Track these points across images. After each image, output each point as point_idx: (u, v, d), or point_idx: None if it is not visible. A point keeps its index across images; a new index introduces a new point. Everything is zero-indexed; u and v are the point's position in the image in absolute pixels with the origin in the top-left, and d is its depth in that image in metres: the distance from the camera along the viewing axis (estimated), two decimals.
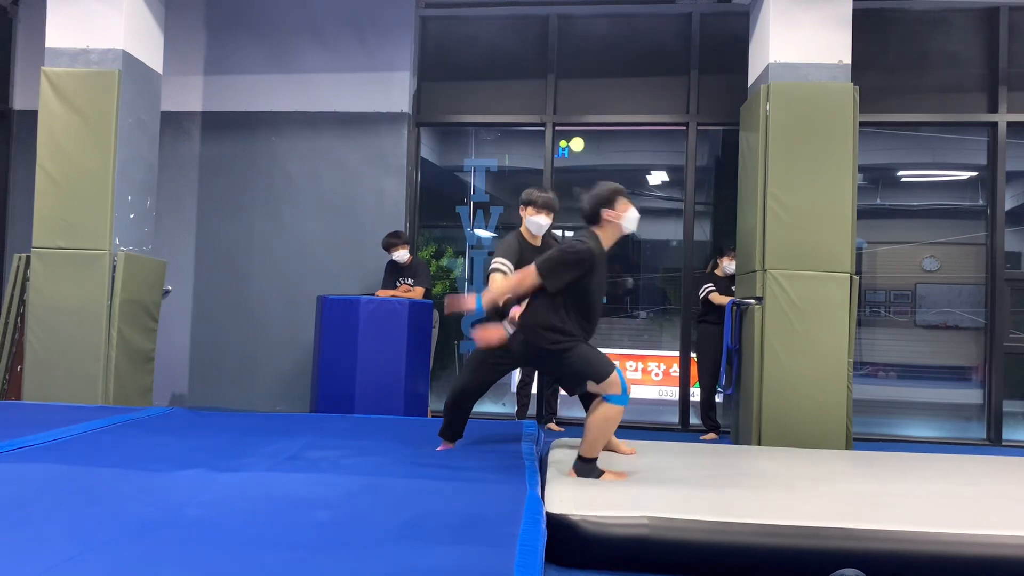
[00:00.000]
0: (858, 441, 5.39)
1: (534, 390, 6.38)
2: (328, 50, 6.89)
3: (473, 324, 3.74)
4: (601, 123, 6.89)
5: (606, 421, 3.49)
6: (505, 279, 3.71)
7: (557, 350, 3.51)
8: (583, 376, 3.53)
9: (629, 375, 6.82)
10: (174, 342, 6.77)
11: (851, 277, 5.13)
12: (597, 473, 3.54)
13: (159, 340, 5.90)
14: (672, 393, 6.73)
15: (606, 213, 3.61)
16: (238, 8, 7.01)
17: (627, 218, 3.64)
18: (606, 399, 3.48)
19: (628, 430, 6.13)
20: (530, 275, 3.51)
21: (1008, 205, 6.37)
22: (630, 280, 6.20)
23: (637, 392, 6.23)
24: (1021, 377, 6.36)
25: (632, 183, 7.51)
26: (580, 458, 3.55)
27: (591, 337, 3.64)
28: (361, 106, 6.85)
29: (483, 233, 7.06)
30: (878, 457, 4.51)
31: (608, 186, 3.68)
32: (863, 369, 6.59)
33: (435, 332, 6.42)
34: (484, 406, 7.03)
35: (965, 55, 6.48)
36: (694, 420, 6.61)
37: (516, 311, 3.72)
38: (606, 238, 3.63)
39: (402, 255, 6.12)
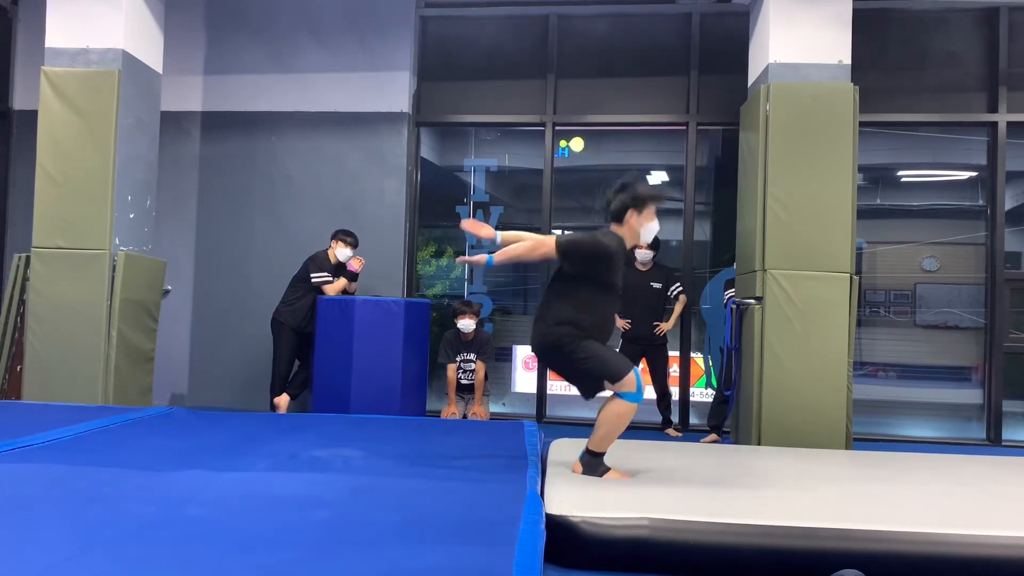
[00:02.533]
0: (858, 441, 5.39)
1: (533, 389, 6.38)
2: (328, 50, 6.89)
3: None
4: (601, 123, 6.88)
5: (619, 417, 3.47)
6: (522, 242, 3.50)
7: (570, 347, 3.46)
8: (598, 376, 3.49)
9: None
10: (174, 342, 6.77)
11: (851, 277, 5.13)
12: (602, 470, 3.54)
13: (159, 340, 5.90)
14: (672, 393, 6.72)
15: (631, 216, 3.54)
16: (238, 8, 7.01)
17: (647, 228, 3.57)
18: (620, 396, 3.46)
19: (628, 429, 6.13)
20: (546, 245, 3.42)
21: (1008, 205, 6.37)
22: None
23: None
24: (1021, 377, 6.36)
25: None
26: (588, 452, 3.54)
27: (607, 338, 3.60)
28: (361, 106, 6.85)
29: None
30: (878, 457, 4.51)
31: (643, 188, 3.56)
32: (863, 369, 6.59)
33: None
34: None
35: (965, 55, 6.48)
36: (694, 420, 6.61)
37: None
38: (628, 238, 3.58)
39: (468, 325, 6.16)
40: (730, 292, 5.88)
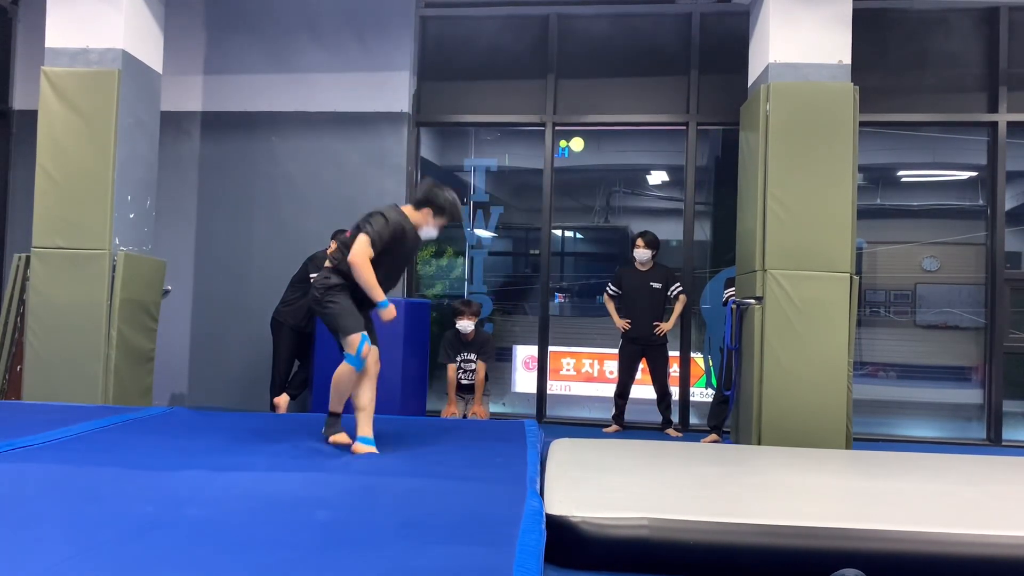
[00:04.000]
0: (858, 441, 5.39)
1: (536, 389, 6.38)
2: (328, 50, 6.89)
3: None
4: (601, 123, 6.89)
5: (338, 377, 3.93)
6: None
7: (322, 295, 3.90)
8: (332, 328, 3.93)
9: None
10: (174, 342, 6.77)
11: (851, 277, 5.13)
12: (336, 429, 4.09)
13: (159, 340, 5.90)
14: (672, 393, 6.72)
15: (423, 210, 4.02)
16: (238, 8, 7.01)
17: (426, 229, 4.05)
18: (344, 356, 3.87)
19: (628, 429, 6.14)
20: (357, 255, 3.81)
21: (1008, 205, 6.37)
22: None
23: (637, 392, 6.23)
24: (1021, 377, 6.36)
25: (632, 183, 7.53)
26: (328, 412, 4.10)
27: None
28: (361, 106, 6.85)
29: (483, 233, 7.06)
30: (878, 457, 4.51)
31: (442, 196, 4.00)
32: (863, 369, 6.59)
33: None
34: None
35: (965, 55, 6.48)
36: (694, 420, 6.62)
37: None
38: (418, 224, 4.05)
39: (467, 325, 6.10)
40: (730, 291, 5.88)
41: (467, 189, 7.16)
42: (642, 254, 6.05)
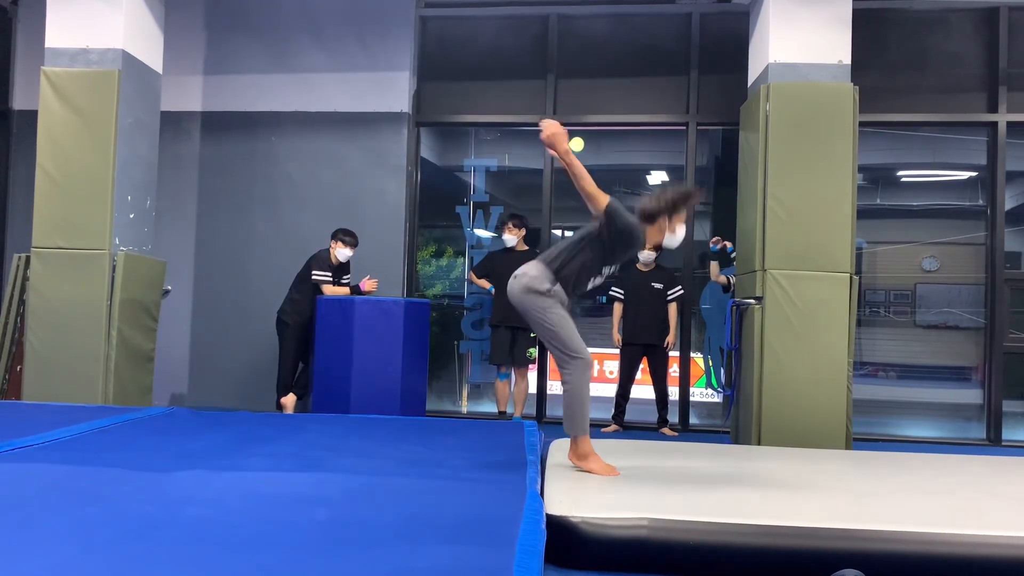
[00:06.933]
0: (858, 441, 5.39)
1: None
2: (328, 50, 6.89)
3: None
4: (601, 123, 6.88)
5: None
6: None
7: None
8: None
9: None
10: (174, 342, 6.77)
11: (851, 277, 5.13)
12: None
13: (159, 340, 5.90)
14: (672, 393, 6.72)
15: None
16: (238, 8, 7.01)
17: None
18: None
19: (628, 430, 6.14)
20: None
21: (1008, 205, 6.37)
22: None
23: (637, 392, 6.23)
24: (1021, 377, 6.36)
25: (632, 183, 7.52)
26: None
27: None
28: (361, 106, 6.85)
29: (483, 233, 7.05)
30: (878, 457, 4.51)
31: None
32: (863, 369, 6.59)
33: None
34: (482, 406, 7.04)
35: (965, 55, 6.48)
36: (694, 420, 6.61)
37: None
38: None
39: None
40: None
41: (467, 189, 7.16)
42: (646, 255, 6.06)
